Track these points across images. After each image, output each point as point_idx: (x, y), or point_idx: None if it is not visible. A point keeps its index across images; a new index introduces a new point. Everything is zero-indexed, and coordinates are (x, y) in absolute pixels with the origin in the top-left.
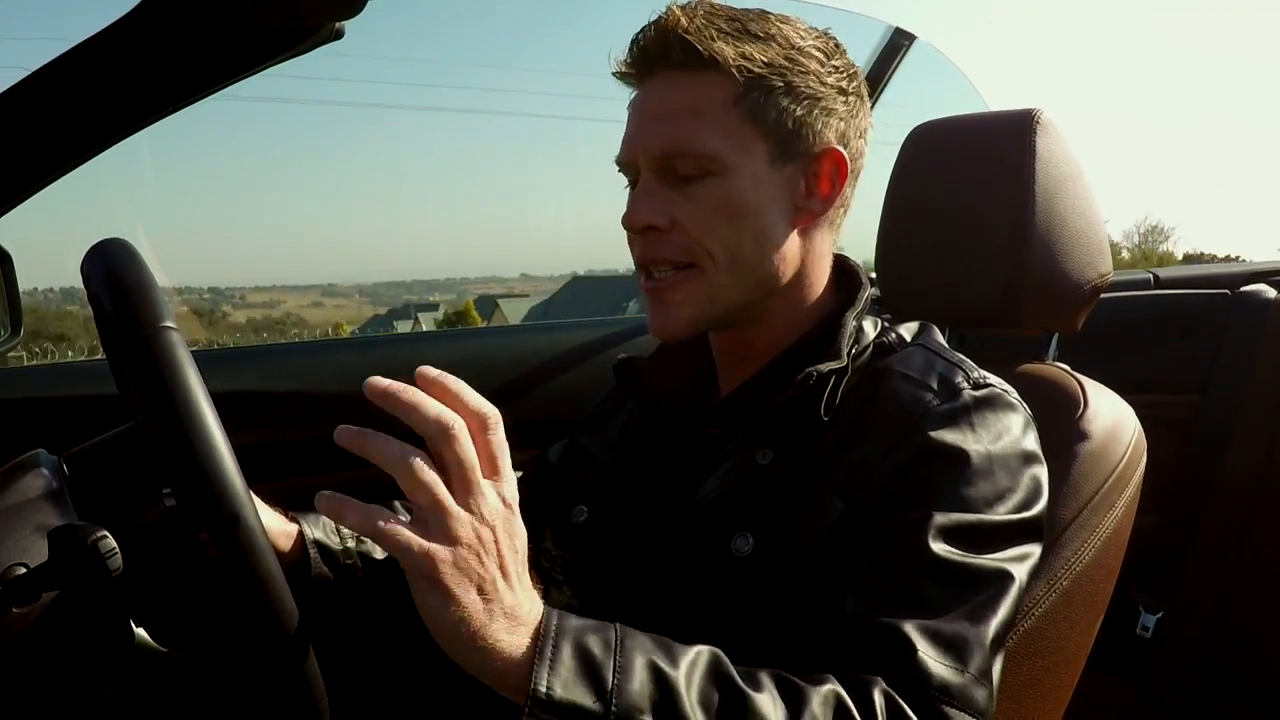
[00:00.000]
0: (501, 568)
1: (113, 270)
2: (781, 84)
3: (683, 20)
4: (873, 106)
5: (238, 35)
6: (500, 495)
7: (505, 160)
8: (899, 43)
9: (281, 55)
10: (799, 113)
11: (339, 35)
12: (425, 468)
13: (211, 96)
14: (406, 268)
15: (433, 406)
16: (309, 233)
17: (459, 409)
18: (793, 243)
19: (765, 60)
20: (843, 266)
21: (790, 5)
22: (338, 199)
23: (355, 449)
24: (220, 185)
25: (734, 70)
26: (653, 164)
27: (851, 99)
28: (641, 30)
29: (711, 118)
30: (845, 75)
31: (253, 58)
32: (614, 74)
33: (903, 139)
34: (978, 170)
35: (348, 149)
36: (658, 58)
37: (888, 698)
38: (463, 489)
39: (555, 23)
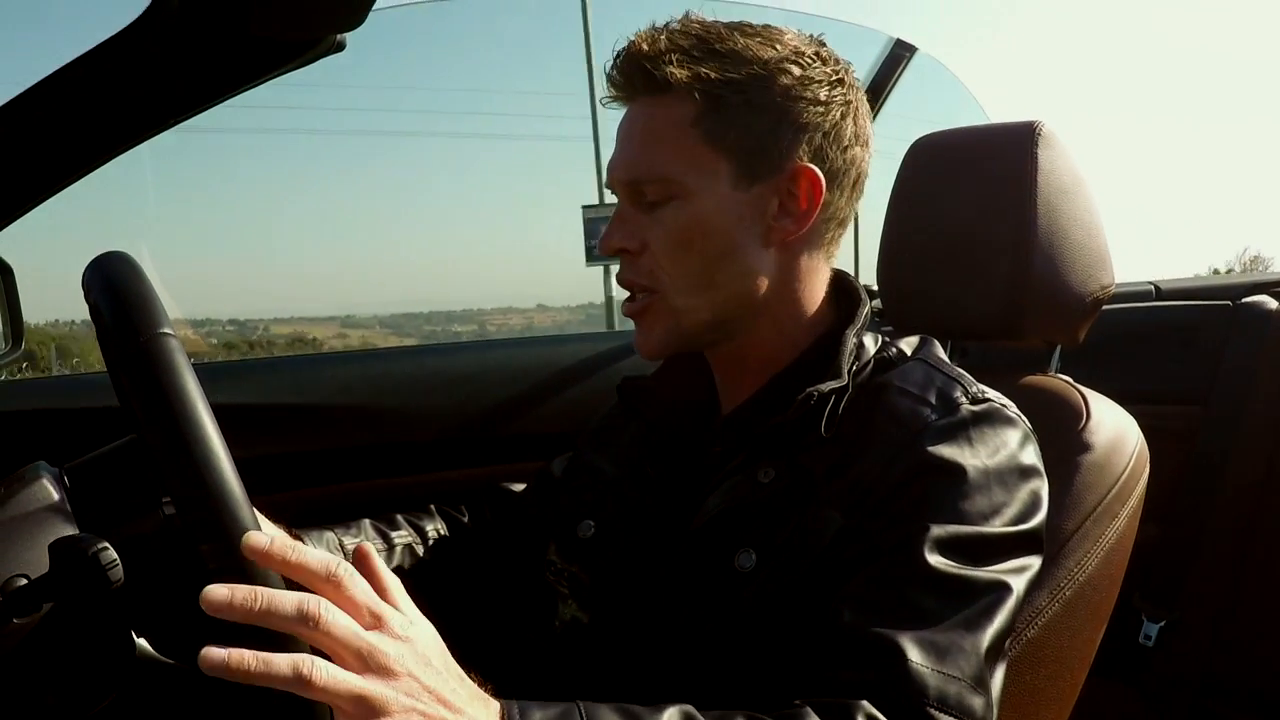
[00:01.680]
0: (441, 700)
1: (111, 281)
2: (741, 101)
3: (644, 46)
4: (874, 119)
5: (240, 47)
6: (395, 636)
7: (516, 188)
8: (900, 54)
9: (283, 67)
10: (762, 130)
11: (340, 47)
12: (319, 669)
13: (210, 129)
14: (421, 299)
15: (286, 601)
16: (319, 264)
17: (306, 577)
18: (768, 261)
19: (722, 79)
20: (841, 283)
21: (789, 18)
22: (346, 230)
23: (234, 677)
24: (229, 216)
25: (689, 92)
26: (624, 190)
27: (832, 107)
28: (612, 58)
29: (670, 141)
30: (823, 84)
31: (255, 70)
32: (601, 103)
33: (904, 151)
34: (979, 183)
35: (353, 178)
36: (626, 85)
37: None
38: (360, 661)
39: (559, 44)
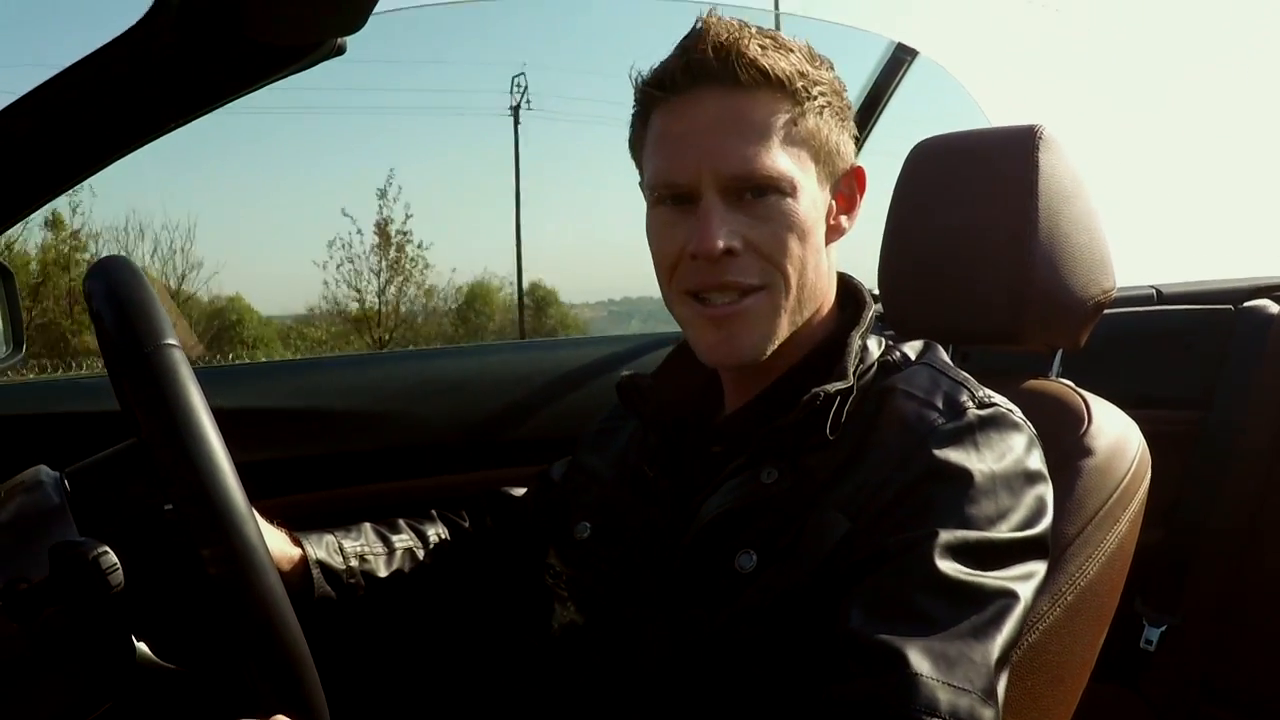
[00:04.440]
0: None
1: (114, 288)
2: (823, 103)
3: (739, 37)
4: (875, 122)
5: (238, 51)
6: None
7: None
8: (900, 58)
9: (282, 71)
10: (834, 133)
11: (340, 51)
12: None
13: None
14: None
15: None
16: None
17: None
18: (825, 260)
19: (811, 80)
20: (845, 284)
21: (792, 22)
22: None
23: None
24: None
25: (790, 91)
26: (722, 184)
27: (849, 117)
28: (687, 44)
29: (779, 137)
30: (844, 95)
31: (253, 74)
32: (645, 86)
33: (905, 155)
34: (980, 186)
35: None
36: (712, 74)
37: None
38: None
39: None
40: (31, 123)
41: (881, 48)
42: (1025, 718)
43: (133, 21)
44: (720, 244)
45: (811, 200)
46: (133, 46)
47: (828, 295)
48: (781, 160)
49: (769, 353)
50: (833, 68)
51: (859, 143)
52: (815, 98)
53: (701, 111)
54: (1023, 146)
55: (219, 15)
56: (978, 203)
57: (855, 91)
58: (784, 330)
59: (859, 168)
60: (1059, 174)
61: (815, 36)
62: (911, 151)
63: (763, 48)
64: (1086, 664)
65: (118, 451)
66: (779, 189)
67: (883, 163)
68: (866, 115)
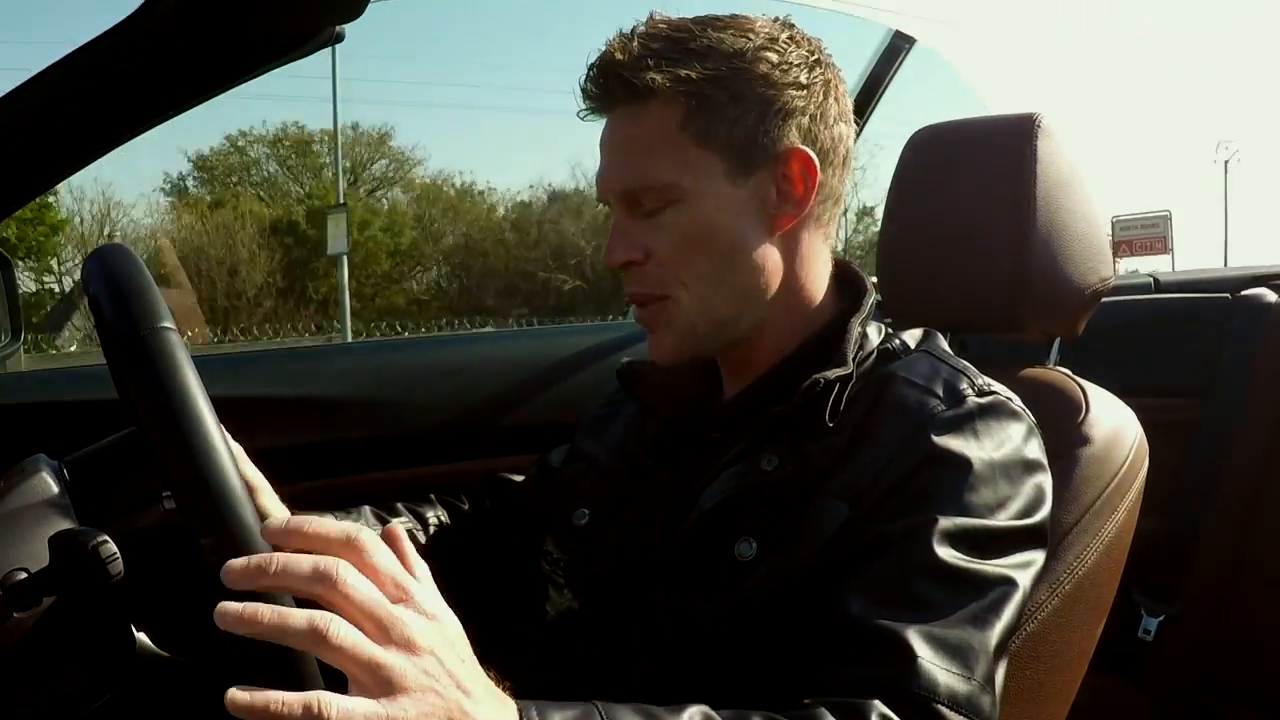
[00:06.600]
0: (460, 687)
1: (111, 273)
2: (726, 97)
3: (618, 55)
4: (872, 110)
5: (237, 39)
6: (420, 612)
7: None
8: (899, 46)
9: (281, 59)
10: (750, 122)
11: (339, 39)
12: (338, 629)
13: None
14: None
15: (303, 563)
16: None
17: (325, 546)
18: (773, 251)
19: (704, 77)
20: (845, 272)
21: (788, 8)
22: None
23: (246, 632)
24: None
25: (673, 96)
26: (619, 201)
27: (814, 89)
28: (587, 70)
29: (662, 148)
30: (802, 67)
31: (252, 61)
32: (579, 115)
33: (903, 143)
34: (979, 174)
35: None
36: (605, 96)
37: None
38: (381, 630)
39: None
40: (33, 108)
41: (880, 35)
42: (1023, 707)
43: (133, 7)
44: (617, 257)
45: (715, 202)
46: (133, 32)
47: (798, 281)
48: (663, 170)
49: (693, 352)
50: (785, 52)
51: (858, 128)
52: (707, 96)
53: (607, 132)
54: (1021, 135)
55: (219, 2)
56: (976, 191)
57: (853, 80)
58: (703, 332)
59: (799, 150)
60: (1057, 162)
61: (811, 24)
62: (909, 139)
63: (641, 60)
64: (1085, 653)
65: (117, 440)
66: (665, 198)
67: (881, 151)
68: (864, 103)
